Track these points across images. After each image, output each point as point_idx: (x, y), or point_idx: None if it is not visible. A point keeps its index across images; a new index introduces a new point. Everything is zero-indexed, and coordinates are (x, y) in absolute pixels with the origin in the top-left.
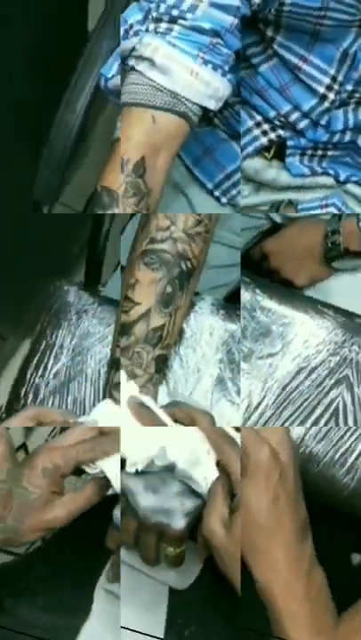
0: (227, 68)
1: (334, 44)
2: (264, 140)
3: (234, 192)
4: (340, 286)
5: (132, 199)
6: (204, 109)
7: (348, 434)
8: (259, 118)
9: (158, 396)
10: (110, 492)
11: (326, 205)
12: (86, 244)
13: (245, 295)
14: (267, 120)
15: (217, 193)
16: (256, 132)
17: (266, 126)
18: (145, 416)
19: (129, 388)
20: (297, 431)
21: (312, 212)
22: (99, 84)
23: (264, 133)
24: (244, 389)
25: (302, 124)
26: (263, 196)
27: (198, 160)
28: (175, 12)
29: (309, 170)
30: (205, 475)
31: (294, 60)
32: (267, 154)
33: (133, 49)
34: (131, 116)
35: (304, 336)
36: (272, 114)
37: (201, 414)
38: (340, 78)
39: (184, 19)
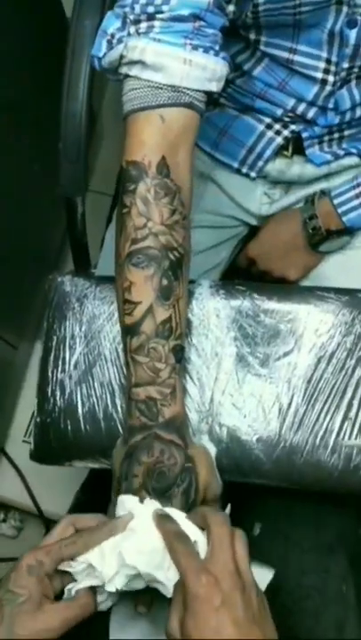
0: (217, 47)
1: (318, 27)
2: (279, 140)
3: (260, 164)
4: (332, 267)
5: (164, 199)
6: (208, 93)
7: (322, 416)
8: (268, 120)
9: (188, 392)
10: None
11: (358, 185)
12: (66, 231)
13: (245, 303)
14: (276, 119)
15: (245, 170)
16: (269, 134)
17: (277, 126)
18: (168, 530)
19: (150, 505)
20: (272, 426)
21: (348, 195)
22: (93, 66)
23: (277, 133)
24: (270, 394)
25: (311, 114)
26: (294, 195)
27: (216, 143)
28: (151, 9)
29: (332, 155)
30: (168, 576)
31: (284, 54)
32: (286, 152)
33: (121, 57)
34: (138, 122)
35: (313, 325)
36: (279, 112)
37: (214, 520)
38: (333, 59)
39: (161, 12)
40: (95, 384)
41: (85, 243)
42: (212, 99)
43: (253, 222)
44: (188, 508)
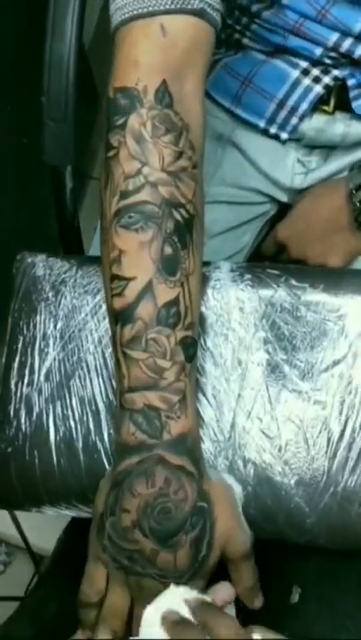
0: None
1: None
2: (318, 89)
3: (294, 122)
4: None
5: (166, 137)
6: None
7: None
8: (304, 64)
9: (200, 414)
10: None
11: None
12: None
13: (280, 293)
14: (314, 62)
15: (274, 130)
16: (306, 81)
17: (316, 71)
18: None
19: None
20: (318, 463)
21: None
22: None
23: (316, 80)
24: (315, 419)
25: (360, 51)
26: (336, 163)
27: (238, 97)
28: None
29: None
30: None
31: None
32: (326, 107)
33: None
34: (131, 35)
35: None
36: (318, 52)
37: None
38: None
39: None
40: (73, 402)
41: (77, 227)
42: (233, 37)
43: (284, 198)
44: (195, 566)
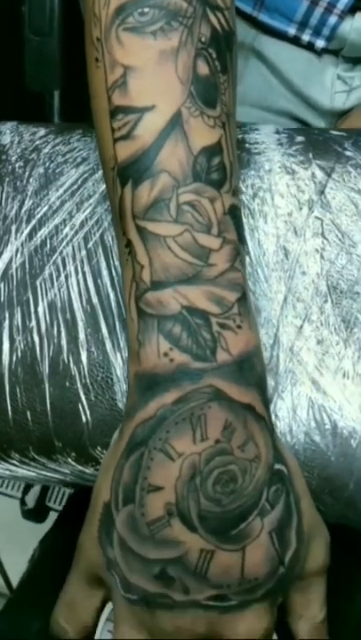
0: None
1: None
2: None
3: (332, 22)
4: None
5: None
6: None
7: None
8: None
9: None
10: None
11: None
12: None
13: (348, 156)
14: None
15: (306, 36)
16: None
17: None
18: None
19: None
20: None
21: None
22: None
23: None
24: None
25: None
26: None
27: None
28: None
29: None
30: None
31: None
32: None
33: None
34: None
35: None
36: None
37: None
38: None
39: None
40: (39, 308)
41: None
42: None
43: (321, 124)
44: (279, 573)
